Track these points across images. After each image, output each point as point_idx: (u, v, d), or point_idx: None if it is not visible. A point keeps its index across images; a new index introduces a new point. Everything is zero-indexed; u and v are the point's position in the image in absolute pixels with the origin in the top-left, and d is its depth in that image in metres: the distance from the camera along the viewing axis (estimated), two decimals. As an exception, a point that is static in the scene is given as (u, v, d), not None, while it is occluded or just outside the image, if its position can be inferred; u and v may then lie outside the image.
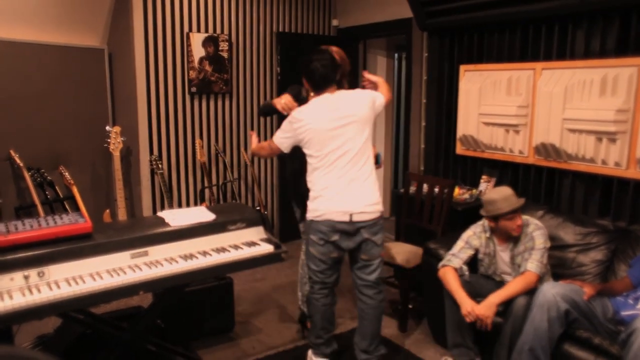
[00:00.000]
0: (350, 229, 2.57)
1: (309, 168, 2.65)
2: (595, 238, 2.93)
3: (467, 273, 2.81)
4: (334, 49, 2.87)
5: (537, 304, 2.45)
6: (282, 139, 2.67)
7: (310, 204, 2.65)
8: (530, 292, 2.57)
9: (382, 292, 2.75)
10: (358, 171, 2.56)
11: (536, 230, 2.72)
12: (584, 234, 2.97)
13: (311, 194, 2.64)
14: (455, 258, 2.83)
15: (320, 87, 2.61)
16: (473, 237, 2.88)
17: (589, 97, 3.00)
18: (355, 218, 2.54)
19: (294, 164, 3.03)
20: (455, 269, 2.79)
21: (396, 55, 5.74)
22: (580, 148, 3.07)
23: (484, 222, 2.87)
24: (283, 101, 2.76)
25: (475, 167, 3.91)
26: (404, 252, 3.38)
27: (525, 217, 2.80)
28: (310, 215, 2.63)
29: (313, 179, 2.63)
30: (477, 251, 2.87)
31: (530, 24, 3.40)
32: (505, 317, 2.61)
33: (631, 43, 2.93)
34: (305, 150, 2.64)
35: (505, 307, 2.62)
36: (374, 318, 2.73)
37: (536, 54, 3.41)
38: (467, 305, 2.61)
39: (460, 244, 2.89)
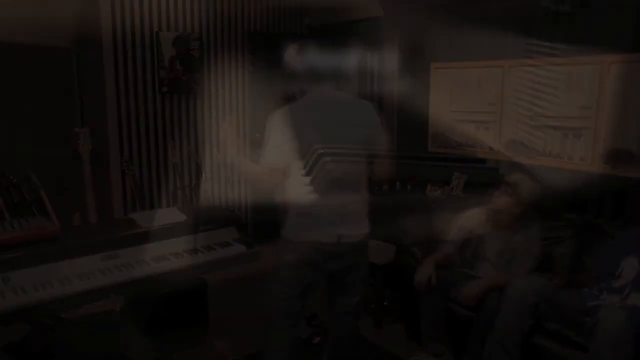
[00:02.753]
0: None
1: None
2: (563, 232, 3.01)
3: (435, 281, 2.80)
4: None
5: (509, 298, 2.50)
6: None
7: None
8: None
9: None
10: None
11: (539, 239, 2.75)
12: (552, 228, 3.04)
13: None
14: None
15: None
16: (470, 217, 2.93)
17: (555, 94, 3.08)
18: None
19: None
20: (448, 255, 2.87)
21: (368, 53, 5.76)
22: (548, 144, 3.15)
23: (489, 206, 2.85)
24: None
25: (447, 164, 3.96)
26: (377, 249, 3.40)
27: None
28: None
29: None
30: (470, 233, 2.91)
31: (498, 23, 3.47)
32: (477, 311, 2.66)
33: (594, 42, 3.00)
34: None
35: (477, 301, 2.67)
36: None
37: (504, 52, 3.47)
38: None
39: (454, 226, 2.95)
